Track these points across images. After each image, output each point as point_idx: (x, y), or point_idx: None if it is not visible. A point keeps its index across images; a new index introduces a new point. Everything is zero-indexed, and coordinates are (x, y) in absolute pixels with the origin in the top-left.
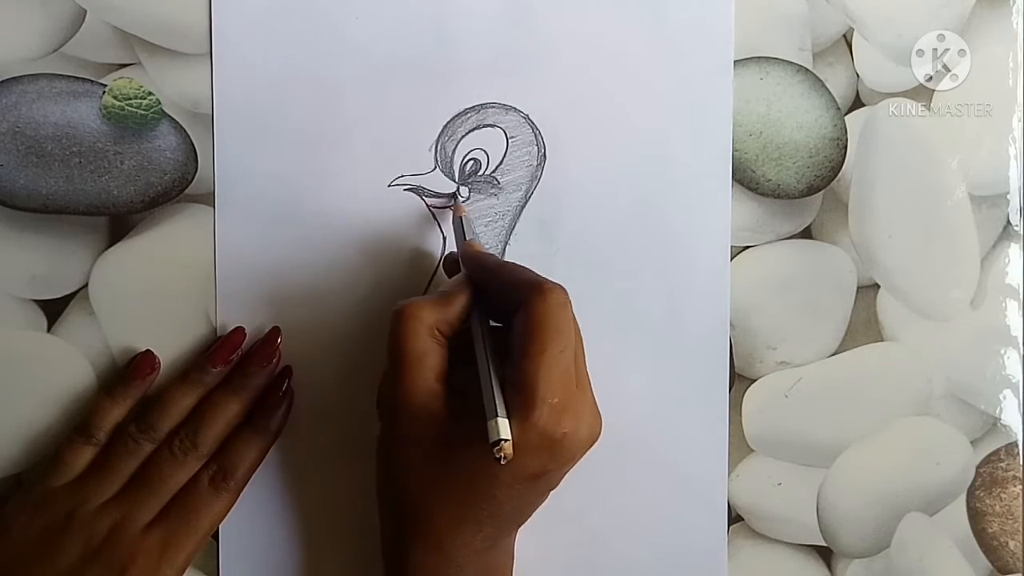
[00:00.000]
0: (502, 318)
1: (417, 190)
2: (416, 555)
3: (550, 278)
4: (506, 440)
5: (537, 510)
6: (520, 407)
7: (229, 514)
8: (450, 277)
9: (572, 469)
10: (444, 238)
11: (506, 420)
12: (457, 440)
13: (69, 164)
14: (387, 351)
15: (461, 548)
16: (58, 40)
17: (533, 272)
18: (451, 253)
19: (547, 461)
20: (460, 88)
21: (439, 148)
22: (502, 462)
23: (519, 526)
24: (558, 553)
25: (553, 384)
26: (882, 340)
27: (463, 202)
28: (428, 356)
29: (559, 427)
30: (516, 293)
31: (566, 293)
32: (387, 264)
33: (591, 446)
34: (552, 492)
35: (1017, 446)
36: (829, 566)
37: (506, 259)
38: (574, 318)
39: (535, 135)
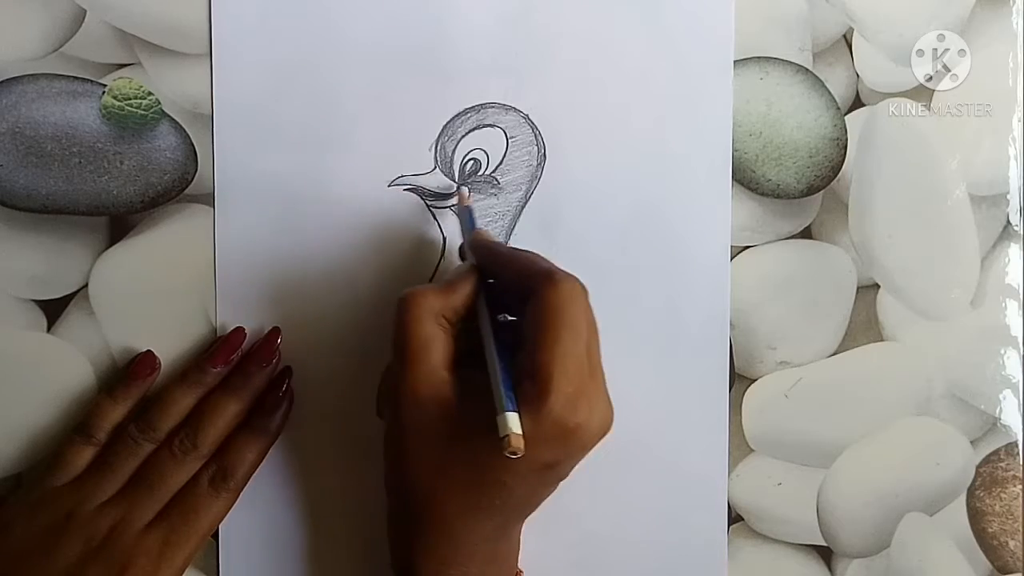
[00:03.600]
0: (512, 307)
1: (417, 190)
2: (426, 544)
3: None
4: (516, 434)
5: (537, 510)
6: (533, 397)
7: (229, 514)
8: None
9: (578, 463)
10: (444, 238)
11: (516, 414)
12: (466, 428)
13: (69, 164)
14: (392, 340)
15: (471, 536)
16: (58, 40)
17: (545, 260)
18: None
19: (559, 451)
20: (460, 88)
21: (439, 148)
22: (513, 457)
23: (527, 515)
24: (559, 553)
25: (568, 374)
26: (882, 340)
27: (468, 194)
28: (434, 343)
29: (573, 417)
30: (528, 282)
31: (579, 283)
32: (387, 264)
33: (603, 437)
34: (559, 485)
35: (1017, 446)
36: (829, 566)
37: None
38: (590, 308)
39: (535, 135)
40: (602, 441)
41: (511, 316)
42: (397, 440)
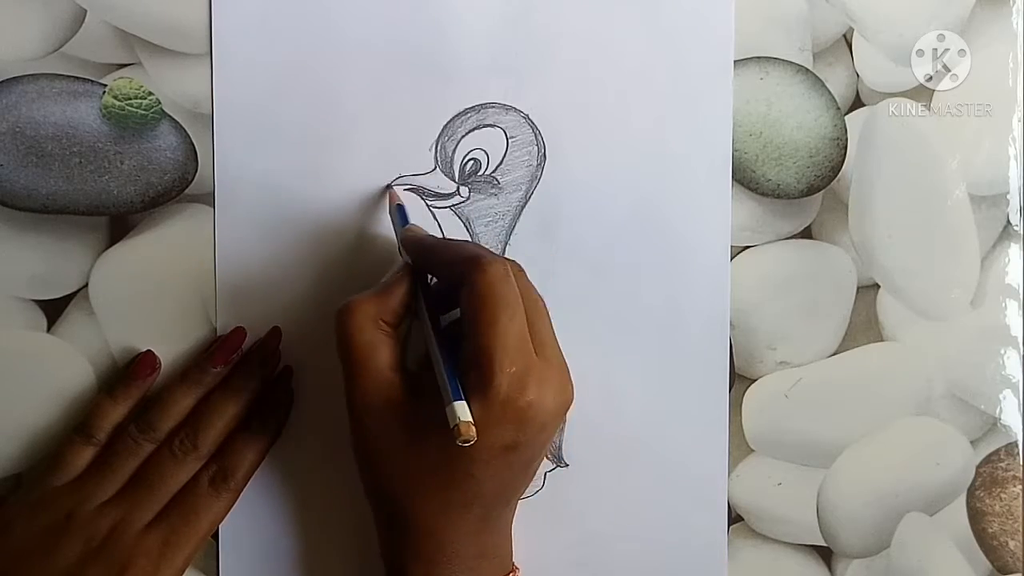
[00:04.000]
0: (453, 299)
1: (417, 190)
2: (411, 547)
3: (546, 276)
4: (466, 422)
5: (537, 510)
6: (477, 382)
7: (229, 514)
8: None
9: (544, 442)
10: (444, 238)
11: (463, 403)
12: (423, 427)
13: (69, 164)
14: (337, 352)
15: (453, 533)
16: (58, 40)
17: (475, 247)
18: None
19: (516, 433)
20: (460, 88)
21: (439, 148)
22: (465, 444)
23: (509, 504)
24: (558, 553)
25: (509, 353)
26: (882, 340)
27: (398, 189)
28: (377, 348)
29: (523, 396)
30: (458, 270)
31: (509, 263)
32: (387, 264)
33: (563, 413)
34: (538, 471)
35: (1017, 446)
36: (829, 566)
37: (497, 253)
38: (530, 285)
39: (535, 135)
40: (564, 417)
41: (457, 307)
42: (361, 449)
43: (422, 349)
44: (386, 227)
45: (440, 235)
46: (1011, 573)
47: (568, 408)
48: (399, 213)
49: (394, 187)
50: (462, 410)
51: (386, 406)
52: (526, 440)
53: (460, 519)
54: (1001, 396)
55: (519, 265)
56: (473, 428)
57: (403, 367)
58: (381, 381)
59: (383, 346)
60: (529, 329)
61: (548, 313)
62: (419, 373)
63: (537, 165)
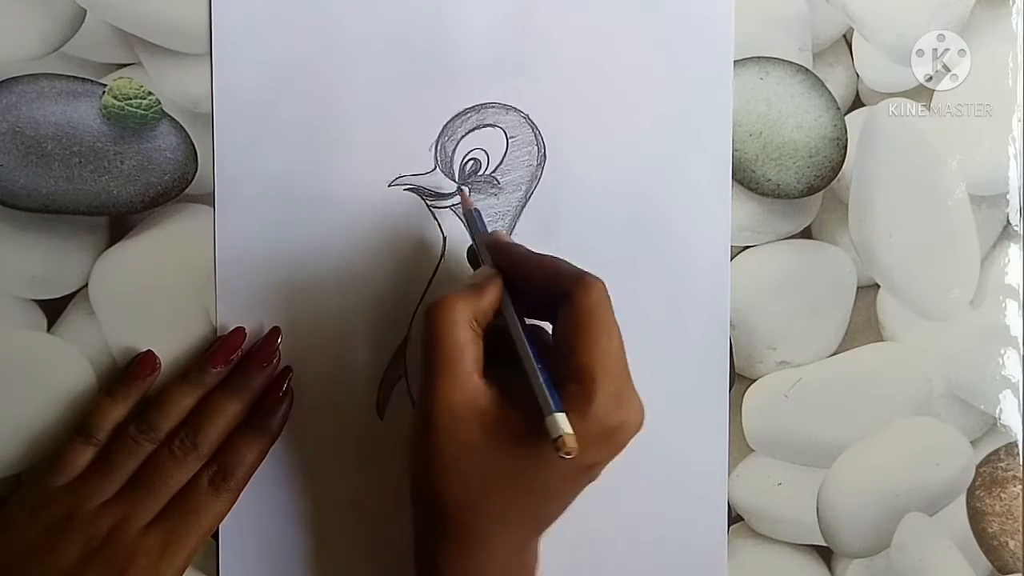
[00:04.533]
0: (531, 309)
1: (417, 190)
2: (458, 557)
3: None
4: (569, 434)
5: None
6: (578, 399)
7: (229, 514)
8: (475, 269)
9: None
10: (444, 238)
11: (564, 414)
12: (506, 434)
13: (69, 164)
14: (422, 349)
15: (505, 547)
16: (58, 40)
17: (569, 263)
18: (472, 246)
19: (602, 451)
20: (460, 88)
21: (439, 148)
22: (567, 457)
23: (551, 524)
24: (558, 553)
25: (610, 374)
26: (882, 340)
27: (469, 194)
28: (467, 349)
29: (617, 416)
30: (556, 285)
31: (605, 285)
32: (387, 264)
33: (634, 436)
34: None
35: (1017, 446)
36: (829, 566)
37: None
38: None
39: (535, 135)
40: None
41: (540, 317)
42: (429, 451)
43: (488, 352)
44: (387, 227)
45: (441, 236)
46: (1011, 573)
47: (640, 429)
48: (478, 218)
49: (464, 190)
50: (564, 423)
51: (469, 410)
52: (604, 460)
53: (516, 534)
54: (1001, 396)
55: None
56: (575, 440)
57: (485, 372)
58: (468, 383)
59: (473, 347)
60: None
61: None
62: (501, 379)
63: (537, 165)
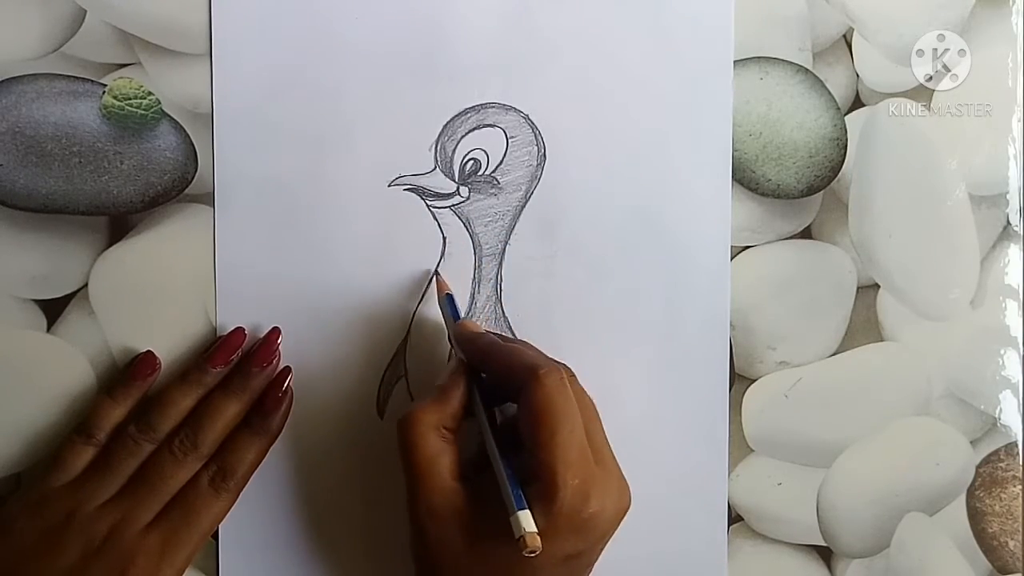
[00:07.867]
0: (508, 394)
1: (417, 190)
2: None
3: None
4: (531, 533)
5: None
6: (541, 495)
7: (229, 514)
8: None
9: (605, 544)
10: (444, 238)
11: (527, 512)
12: (485, 534)
13: (69, 164)
14: (400, 462)
15: None
16: (58, 40)
17: (529, 352)
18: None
19: (579, 542)
20: (460, 88)
21: (439, 148)
22: (531, 556)
23: None
24: None
25: (571, 466)
26: (882, 340)
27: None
28: (440, 457)
29: (586, 508)
30: (515, 377)
31: (563, 371)
32: (387, 264)
33: (622, 519)
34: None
35: (1017, 446)
36: (829, 566)
37: (504, 269)
38: (582, 390)
39: (535, 135)
40: (623, 520)
41: (512, 402)
42: (423, 556)
43: (476, 442)
44: (387, 227)
45: (441, 236)
46: (1011, 573)
47: (626, 514)
48: (449, 304)
49: (441, 275)
50: (527, 520)
51: (449, 514)
52: (587, 548)
53: None
54: (1001, 396)
55: (571, 371)
56: (538, 539)
57: (463, 472)
58: (445, 490)
59: (445, 455)
60: (586, 437)
61: (599, 416)
62: (479, 479)
63: (537, 165)
